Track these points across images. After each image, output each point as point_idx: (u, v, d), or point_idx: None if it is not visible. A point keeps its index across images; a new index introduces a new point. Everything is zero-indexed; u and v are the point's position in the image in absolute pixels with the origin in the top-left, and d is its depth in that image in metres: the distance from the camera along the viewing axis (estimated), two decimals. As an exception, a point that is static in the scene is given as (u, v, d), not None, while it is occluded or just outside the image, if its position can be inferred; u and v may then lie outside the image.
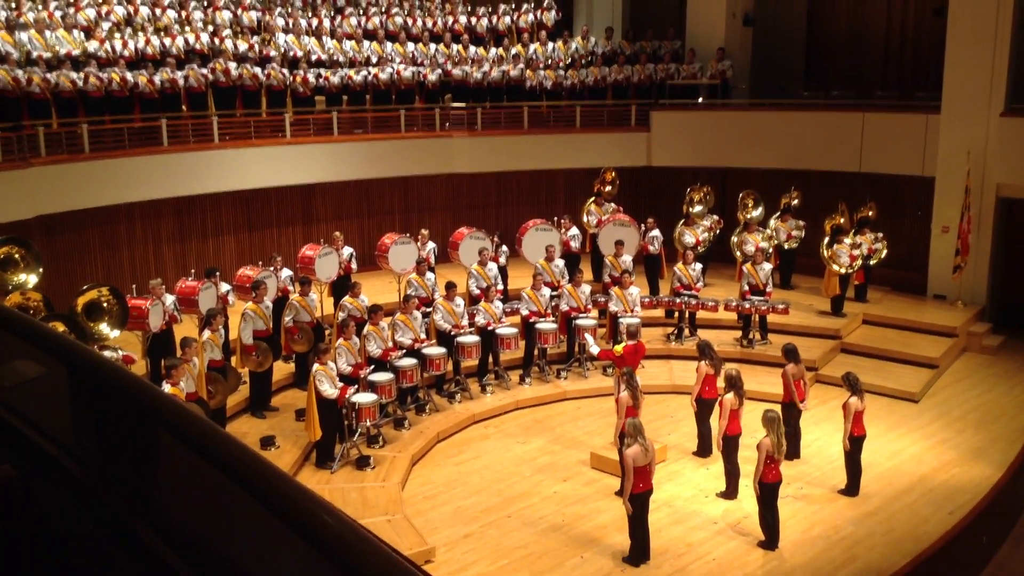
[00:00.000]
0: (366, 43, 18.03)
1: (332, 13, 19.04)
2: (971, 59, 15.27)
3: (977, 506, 9.37)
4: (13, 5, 15.76)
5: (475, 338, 12.60)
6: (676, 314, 14.58)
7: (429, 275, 13.65)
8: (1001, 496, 9.65)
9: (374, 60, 17.66)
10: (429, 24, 19.29)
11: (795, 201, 16.47)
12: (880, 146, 16.53)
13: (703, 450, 11.17)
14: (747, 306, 13.97)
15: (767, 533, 9.19)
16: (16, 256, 11.04)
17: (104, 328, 10.63)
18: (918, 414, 12.57)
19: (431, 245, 14.98)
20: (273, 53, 16.72)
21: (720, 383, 10.39)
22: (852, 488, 10.28)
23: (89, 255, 14.15)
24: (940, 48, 15.96)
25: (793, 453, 11.04)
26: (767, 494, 9.07)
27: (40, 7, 15.89)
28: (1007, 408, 12.70)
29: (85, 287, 10.96)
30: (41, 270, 11.20)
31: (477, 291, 13.57)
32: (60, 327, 9.57)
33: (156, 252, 15.03)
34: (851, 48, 18.83)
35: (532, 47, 19.11)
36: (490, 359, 13.16)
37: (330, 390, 10.41)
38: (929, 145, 15.97)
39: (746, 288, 14.15)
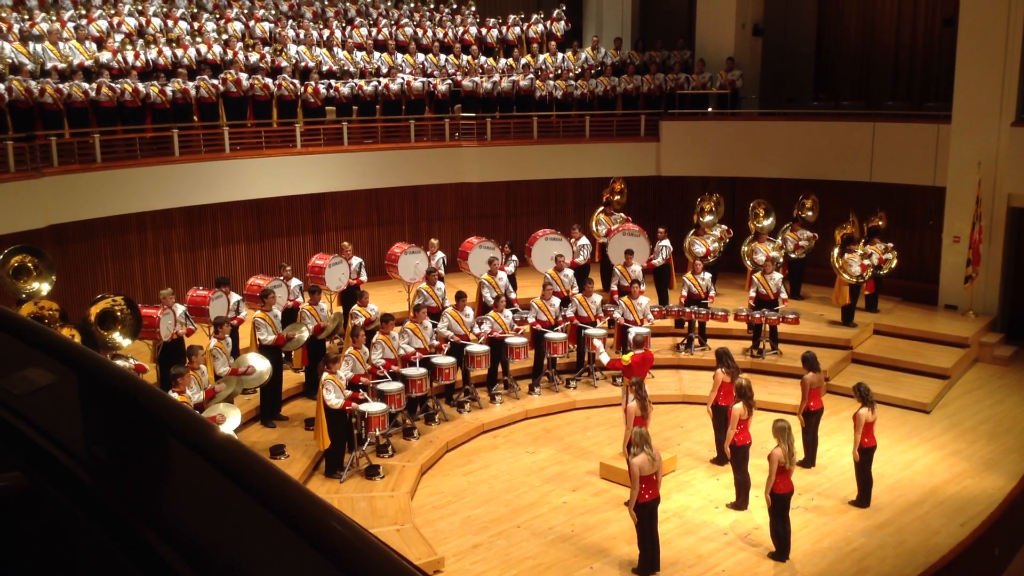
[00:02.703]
0: (376, 54, 18.10)
1: (343, 24, 19.13)
2: (981, 69, 15.22)
3: (989, 518, 9.30)
4: (27, 16, 15.88)
5: (484, 347, 12.60)
6: (686, 324, 14.55)
7: (439, 284, 13.67)
8: (1013, 508, 9.58)
9: (384, 70, 17.73)
10: (439, 35, 19.36)
11: (809, 212, 16.42)
12: (891, 156, 16.48)
13: (722, 458, 10.93)
14: (757, 316, 13.92)
15: (778, 544, 9.15)
16: (29, 265, 11.11)
17: (117, 337, 10.67)
18: (929, 425, 12.50)
19: (440, 255, 15.00)
20: (284, 64, 16.81)
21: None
22: (863, 499, 10.23)
23: (100, 264, 14.21)
24: (950, 58, 15.92)
25: (810, 461, 11.00)
26: (778, 505, 9.02)
27: (53, 18, 16.01)
28: (1019, 419, 12.62)
29: (99, 296, 10.99)
30: (54, 278, 11.26)
31: (490, 301, 13.55)
32: (75, 336, 9.61)
33: (167, 261, 15.08)
34: (861, 58, 18.79)
35: (542, 57, 19.16)
36: (499, 368, 13.16)
37: (335, 399, 10.39)
38: (940, 155, 15.92)
39: (755, 296, 14.11)
